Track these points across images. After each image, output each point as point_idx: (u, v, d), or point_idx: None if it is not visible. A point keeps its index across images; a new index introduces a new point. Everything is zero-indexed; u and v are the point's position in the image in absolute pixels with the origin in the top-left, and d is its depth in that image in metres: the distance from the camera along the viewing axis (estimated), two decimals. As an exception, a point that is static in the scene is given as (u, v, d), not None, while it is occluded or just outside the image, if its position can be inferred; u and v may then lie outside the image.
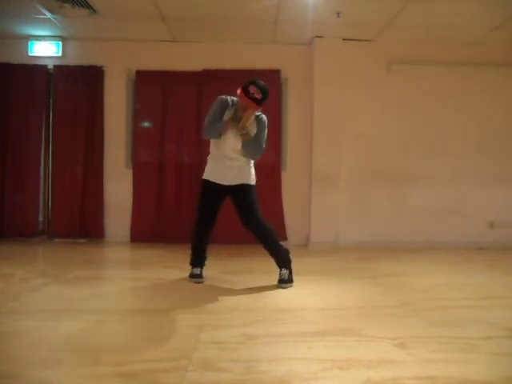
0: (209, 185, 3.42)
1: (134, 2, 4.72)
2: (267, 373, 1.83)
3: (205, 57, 5.72)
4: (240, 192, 3.40)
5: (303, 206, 5.73)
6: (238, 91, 3.29)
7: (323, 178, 5.65)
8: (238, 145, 3.35)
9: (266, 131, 3.45)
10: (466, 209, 5.79)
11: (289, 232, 5.66)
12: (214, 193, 3.42)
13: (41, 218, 5.78)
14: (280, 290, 3.28)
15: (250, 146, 3.36)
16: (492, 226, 5.83)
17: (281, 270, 3.38)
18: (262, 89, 3.24)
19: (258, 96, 3.21)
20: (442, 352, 2.09)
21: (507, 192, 5.84)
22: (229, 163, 3.38)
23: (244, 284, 3.43)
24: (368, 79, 5.79)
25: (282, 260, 3.41)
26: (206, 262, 3.61)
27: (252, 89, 3.21)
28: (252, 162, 3.50)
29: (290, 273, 3.41)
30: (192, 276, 3.51)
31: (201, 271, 3.53)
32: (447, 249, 5.46)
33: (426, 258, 4.91)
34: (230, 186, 3.38)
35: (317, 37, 5.64)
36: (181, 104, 5.75)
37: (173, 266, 4.30)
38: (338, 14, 4.90)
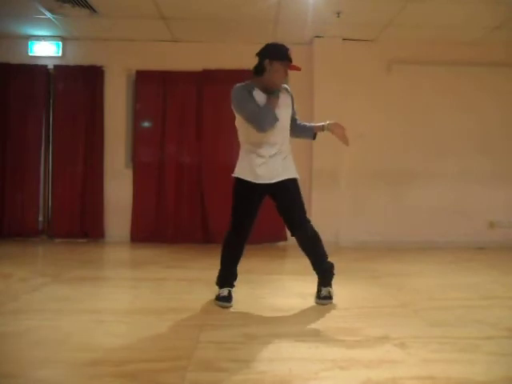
0: (243, 184, 2.84)
1: (134, 1, 4.72)
2: (267, 373, 1.83)
3: (205, 57, 5.72)
4: (284, 189, 2.86)
5: (303, 206, 5.72)
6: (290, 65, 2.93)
7: (323, 178, 5.65)
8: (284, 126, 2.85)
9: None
10: (466, 209, 5.79)
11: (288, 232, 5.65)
12: (249, 193, 2.85)
13: (41, 218, 5.78)
14: (279, 290, 3.27)
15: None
16: (492, 226, 5.82)
17: (322, 287, 2.95)
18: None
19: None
20: (442, 352, 2.09)
21: (507, 192, 5.84)
22: (266, 159, 2.82)
23: (244, 284, 3.42)
24: (368, 79, 5.79)
25: (326, 276, 2.98)
26: (235, 282, 2.97)
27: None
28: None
29: (330, 290, 2.96)
30: (217, 298, 2.86)
31: (229, 293, 2.88)
32: (447, 249, 5.47)
33: (426, 258, 4.90)
34: (269, 184, 2.83)
35: (317, 37, 5.65)
36: (181, 104, 5.75)
37: (173, 266, 4.31)
38: (338, 14, 4.90)
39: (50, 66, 5.79)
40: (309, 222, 2.97)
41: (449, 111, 5.82)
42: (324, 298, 2.91)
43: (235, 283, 2.95)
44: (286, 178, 2.86)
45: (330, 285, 2.98)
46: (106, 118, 5.81)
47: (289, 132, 2.94)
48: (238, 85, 2.84)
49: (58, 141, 5.79)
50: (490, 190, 5.79)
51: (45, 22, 5.26)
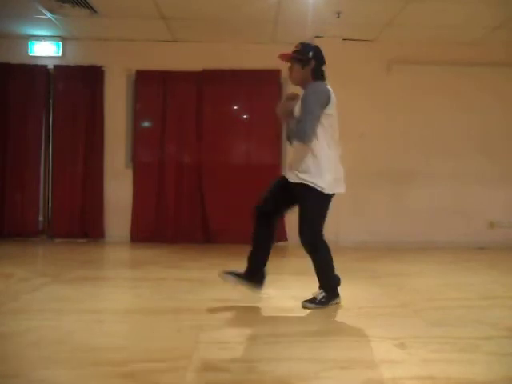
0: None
1: (134, 1, 4.72)
2: (267, 373, 1.83)
3: (205, 57, 5.72)
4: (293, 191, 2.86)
5: (303, 206, 5.72)
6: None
7: (323, 178, 5.64)
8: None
9: (311, 101, 2.83)
10: (466, 209, 5.79)
11: (289, 232, 5.65)
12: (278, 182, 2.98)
13: (41, 218, 5.78)
14: (279, 290, 3.27)
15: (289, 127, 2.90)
16: (492, 226, 5.82)
17: (318, 289, 2.85)
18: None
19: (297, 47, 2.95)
20: (442, 352, 2.09)
21: (507, 192, 5.84)
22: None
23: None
24: (368, 79, 5.79)
25: (324, 285, 2.86)
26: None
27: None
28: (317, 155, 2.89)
29: (324, 297, 2.81)
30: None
31: (232, 272, 2.89)
32: (447, 249, 5.46)
33: (426, 258, 4.90)
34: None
35: (317, 37, 5.64)
36: (181, 104, 5.75)
37: (173, 265, 4.31)
38: (338, 14, 4.90)
39: (50, 66, 5.79)
40: (308, 239, 2.86)
41: (449, 111, 5.82)
42: (309, 300, 2.81)
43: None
44: (292, 181, 2.87)
45: (325, 289, 2.84)
46: (106, 118, 5.81)
47: None
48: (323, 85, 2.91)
49: (58, 141, 5.79)
50: (489, 190, 5.79)
51: (45, 22, 5.26)
